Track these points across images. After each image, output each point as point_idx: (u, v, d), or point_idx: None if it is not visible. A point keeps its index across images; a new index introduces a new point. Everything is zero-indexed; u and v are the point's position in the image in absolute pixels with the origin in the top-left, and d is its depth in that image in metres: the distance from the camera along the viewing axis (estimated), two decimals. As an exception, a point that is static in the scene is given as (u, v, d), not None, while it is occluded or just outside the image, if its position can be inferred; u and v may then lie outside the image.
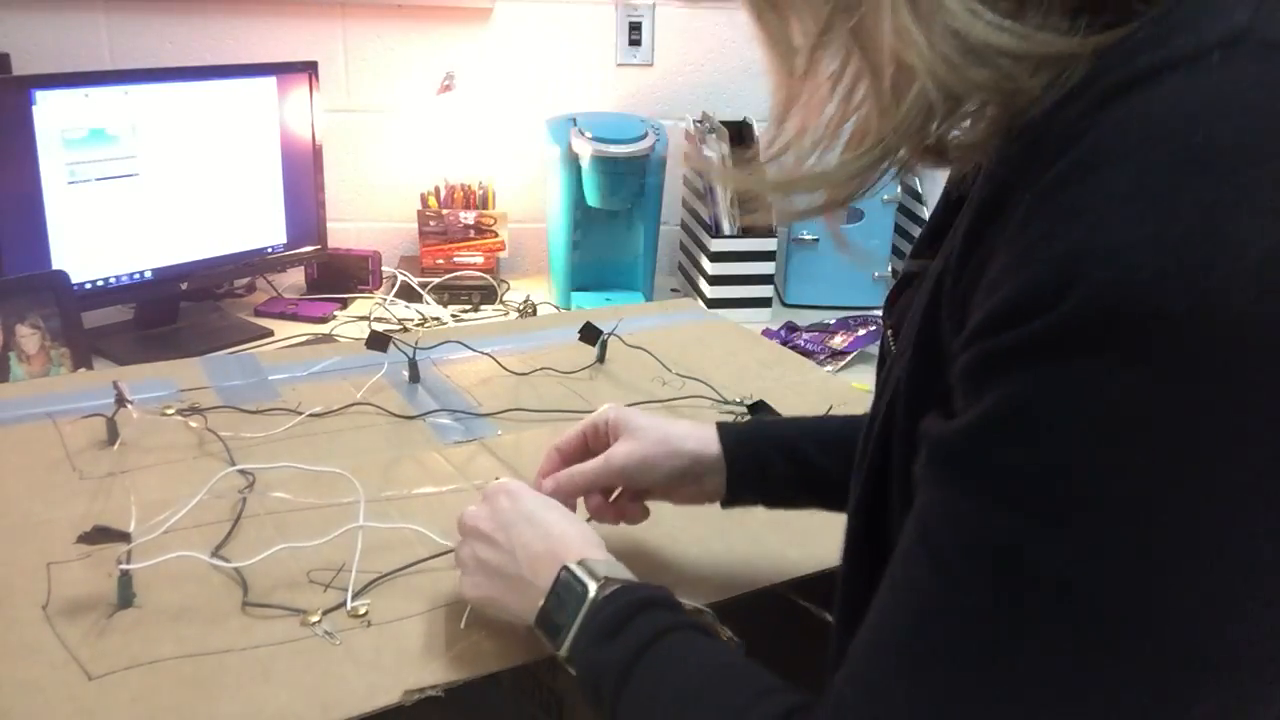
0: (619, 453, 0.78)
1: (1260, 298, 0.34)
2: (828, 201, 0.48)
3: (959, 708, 0.41)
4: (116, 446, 1.01)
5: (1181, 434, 0.36)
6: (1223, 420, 0.35)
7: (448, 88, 1.99)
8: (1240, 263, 0.34)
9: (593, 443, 0.82)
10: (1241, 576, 0.37)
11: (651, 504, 0.83)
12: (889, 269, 1.96)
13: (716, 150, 1.88)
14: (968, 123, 0.45)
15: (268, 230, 1.82)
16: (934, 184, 1.83)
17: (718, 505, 0.81)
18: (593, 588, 0.63)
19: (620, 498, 0.82)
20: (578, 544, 0.68)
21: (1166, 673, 0.38)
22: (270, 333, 1.75)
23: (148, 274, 1.67)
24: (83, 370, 1.47)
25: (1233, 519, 0.36)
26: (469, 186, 2.00)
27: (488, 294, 1.90)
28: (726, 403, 1.17)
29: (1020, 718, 0.40)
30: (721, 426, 0.81)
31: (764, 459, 0.80)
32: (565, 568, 0.65)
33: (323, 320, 1.81)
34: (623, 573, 0.66)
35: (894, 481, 0.52)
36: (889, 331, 0.62)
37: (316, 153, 1.85)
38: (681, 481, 0.80)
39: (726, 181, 0.54)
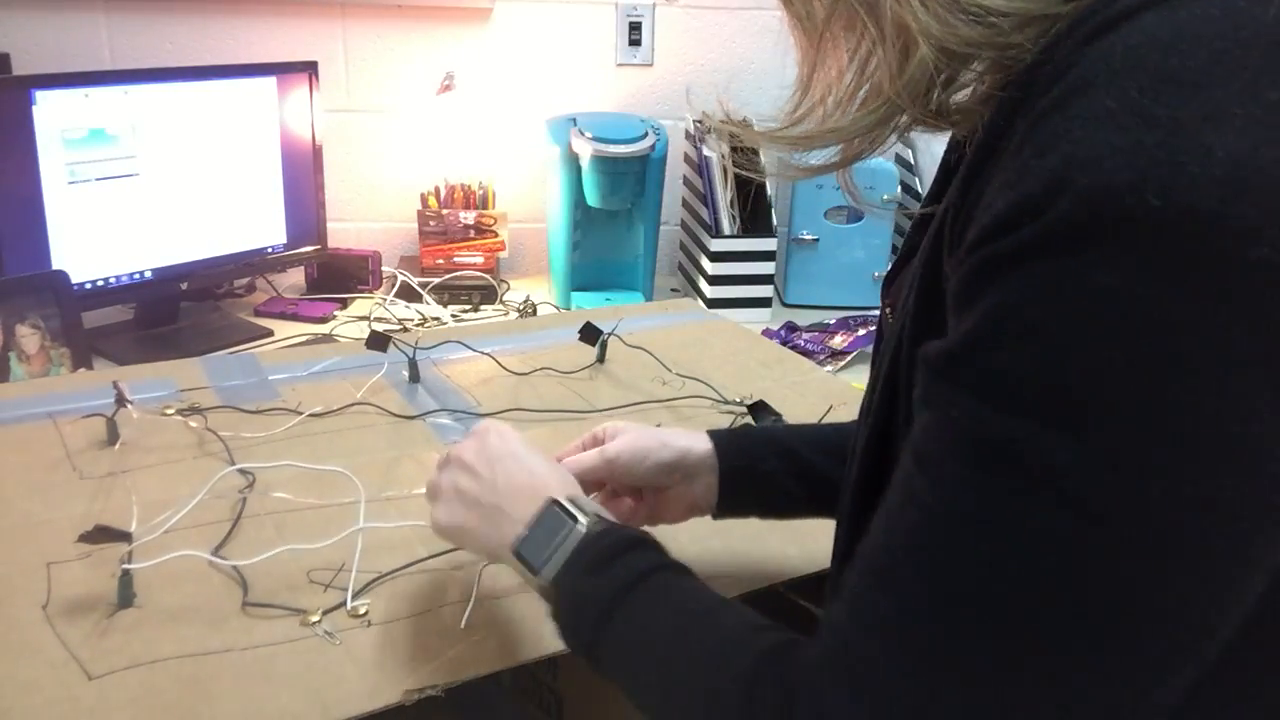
0: (613, 446, 0.80)
1: (1225, 199, 0.37)
2: (841, 158, 0.54)
3: (955, 611, 0.42)
4: (117, 446, 1.01)
5: (1159, 326, 0.38)
6: (1195, 312, 0.38)
7: (448, 88, 1.99)
8: (1208, 169, 0.37)
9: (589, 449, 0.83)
10: (1226, 459, 0.39)
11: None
12: (889, 269, 1.95)
13: (716, 150, 1.88)
14: (968, 90, 0.49)
15: (268, 230, 1.82)
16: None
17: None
18: (584, 521, 0.64)
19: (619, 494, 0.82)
20: (560, 484, 0.69)
21: (1164, 560, 0.40)
22: (270, 333, 1.75)
23: (148, 274, 1.67)
24: (83, 370, 1.47)
25: (1215, 408, 0.39)
26: (469, 186, 2.00)
27: (488, 294, 1.90)
28: (726, 403, 1.17)
29: (1017, 615, 0.41)
30: (711, 431, 0.82)
31: (754, 454, 0.80)
32: (554, 500, 0.66)
33: (323, 320, 1.81)
34: (607, 515, 0.67)
35: (897, 444, 0.53)
36: (887, 309, 0.63)
37: (316, 153, 1.85)
38: (671, 476, 0.80)
39: (752, 139, 0.56)
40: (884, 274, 0.71)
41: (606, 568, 0.61)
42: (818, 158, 0.55)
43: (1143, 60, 0.40)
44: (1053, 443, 0.40)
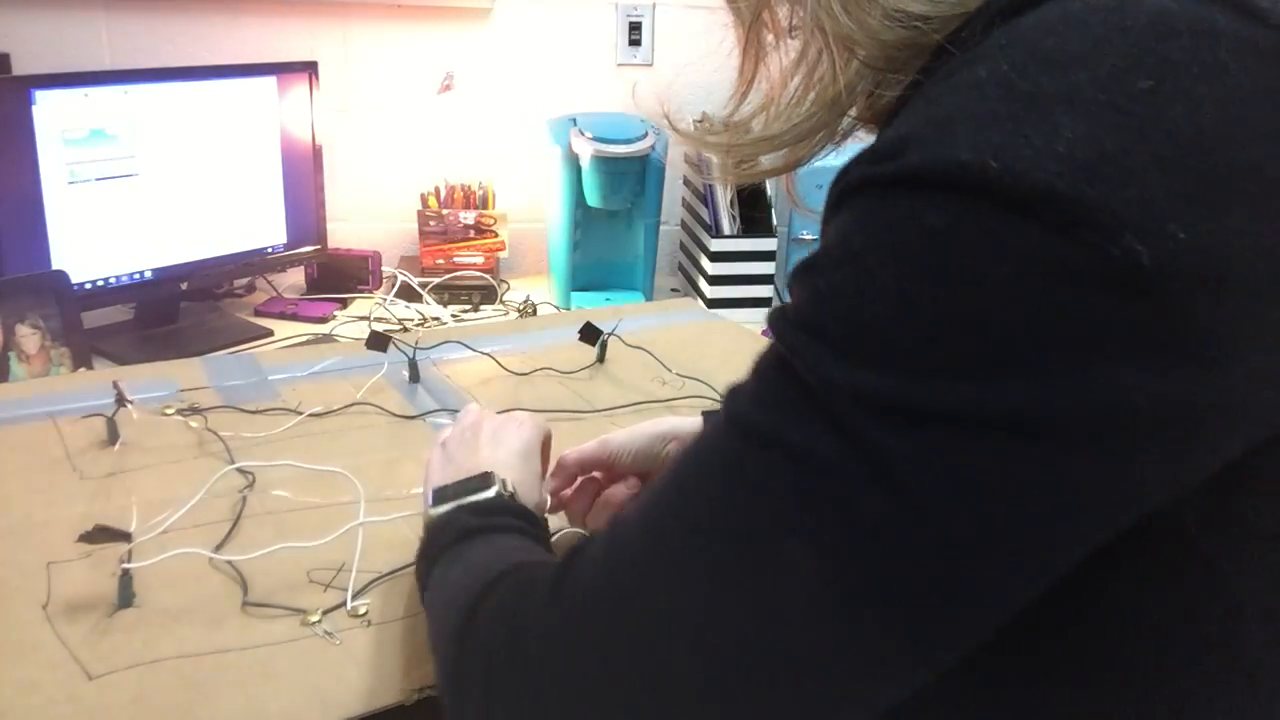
0: (611, 434, 0.83)
1: (1061, 177, 0.37)
2: (785, 163, 0.54)
3: (663, 550, 0.44)
4: (116, 446, 1.00)
5: (964, 280, 0.38)
6: (1000, 281, 0.37)
7: (448, 88, 1.99)
8: (1050, 145, 0.37)
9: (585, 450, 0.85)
10: (990, 428, 0.38)
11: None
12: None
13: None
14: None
15: (268, 230, 1.82)
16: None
17: None
18: (496, 489, 0.69)
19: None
20: (517, 476, 0.72)
21: (899, 515, 0.39)
22: (270, 333, 1.75)
23: (148, 274, 1.67)
24: (83, 370, 1.47)
25: (990, 374, 0.38)
26: (469, 186, 2.00)
27: (488, 294, 1.90)
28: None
29: (719, 549, 0.42)
30: (705, 411, 0.86)
31: None
32: (492, 474, 0.70)
33: (323, 320, 1.81)
34: (534, 514, 0.70)
35: None
36: None
37: (316, 153, 1.85)
38: (666, 443, 0.82)
39: (691, 143, 0.58)
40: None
41: (484, 515, 0.66)
42: (769, 160, 0.55)
43: (1024, 39, 0.40)
44: (829, 366, 0.40)
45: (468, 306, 1.88)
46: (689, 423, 0.83)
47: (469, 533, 0.65)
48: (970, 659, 0.41)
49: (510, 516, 0.67)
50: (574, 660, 0.46)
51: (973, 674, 0.43)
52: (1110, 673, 0.44)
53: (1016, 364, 0.37)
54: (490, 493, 0.69)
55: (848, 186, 0.42)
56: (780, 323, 0.43)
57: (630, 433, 0.82)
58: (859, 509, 0.39)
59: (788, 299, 0.45)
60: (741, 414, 0.44)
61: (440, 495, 0.70)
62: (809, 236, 1.95)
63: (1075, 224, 0.36)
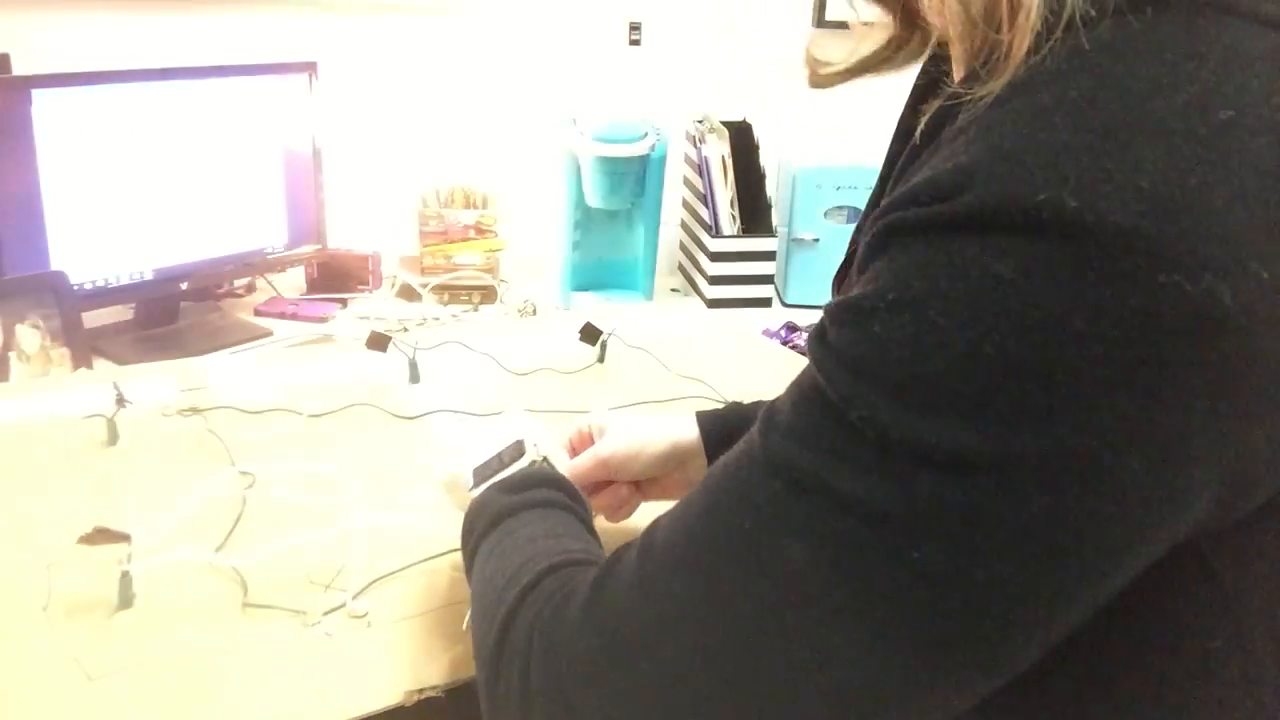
0: (605, 445, 0.81)
1: (1145, 215, 0.35)
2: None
3: (709, 581, 0.43)
4: (117, 447, 1.00)
5: (1041, 329, 0.36)
6: (1083, 325, 0.36)
7: (448, 88, 1.99)
8: (1133, 181, 0.35)
9: (579, 448, 0.84)
10: (1067, 475, 0.37)
11: (653, 506, 0.83)
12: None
13: (716, 150, 1.88)
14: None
15: (268, 230, 1.82)
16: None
17: None
18: (531, 457, 0.70)
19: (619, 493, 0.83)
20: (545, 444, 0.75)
21: (955, 562, 0.38)
22: (270, 333, 1.74)
23: (148, 274, 1.67)
24: (83, 370, 1.47)
25: (1072, 424, 0.36)
26: (469, 187, 2.00)
27: (488, 294, 1.90)
28: (726, 403, 1.17)
29: (781, 587, 0.41)
30: (699, 412, 0.84)
31: (737, 429, 0.81)
32: (522, 441, 0.72)
33: (323, 320, 1.81)
34: (568, 481, 0.70)
35: None
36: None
37: (316, 153, 1.85)
38: (665, 467, 0.81)
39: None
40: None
41: (516, 490, 0.66)
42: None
43: (1092, 65, 0.38)
44: (884, 414, 0.38)
45: (468, 306, 1.88)
46: (685, 432, 0.82)
47: (506, 512, 0.64)
48: None
49: (544, 489, 0.66)
50: (607, 685, 0.46)
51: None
52: (1120, 683, 0.44)
53: (1086, 411, 0.36)
54: (524, 461, 0.69)
55: (901, 226, 0.40)
56: (826, 363, 0.41)
57: (627, 452, 0.80)
58: (912, 556, 0.38)
59: (829, 325, 0.43)
60: (782, 453, 0.42)
61: (480, 474, 0.71)
62: (809, 236, 1.95)
63: (1156, 265, 0.35)
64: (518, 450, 0.70)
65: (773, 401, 0.44)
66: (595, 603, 0.48)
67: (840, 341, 0.41)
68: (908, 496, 0.38)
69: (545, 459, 0.70)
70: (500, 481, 0.68)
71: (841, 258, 0.59)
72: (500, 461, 0.70)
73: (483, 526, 0.64)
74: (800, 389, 0.43)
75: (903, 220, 0.40)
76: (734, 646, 0.42)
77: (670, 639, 0.44)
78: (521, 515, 0.64)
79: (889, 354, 0.39)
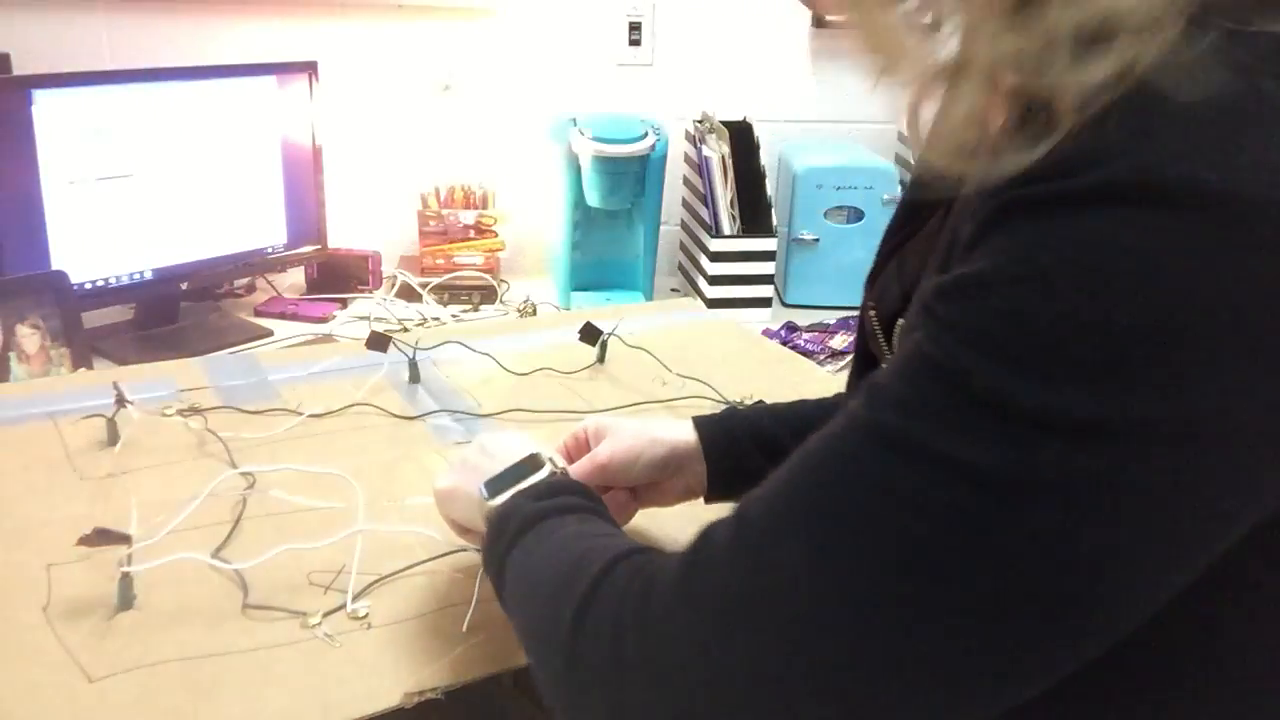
0: (603, 450, 0.80)
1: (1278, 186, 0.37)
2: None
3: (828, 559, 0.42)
4: (117, 447, 1.00)
5: (1175, 297, 0.37)
6: (1217, 294, 0.37)
7: (448, 88, 1.99)
8: (1266, 157, 0.37)
9: (575, 454, 0.84)
10: (1193, 440, 0.38)
11: (652, 510, 0.83)
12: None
13: (716, 150, 1.88)
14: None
15: (268, 230, 1.82)
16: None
17: (717, 507, 0.82)
18: (548, 468, 0.69)
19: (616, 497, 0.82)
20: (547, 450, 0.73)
21: (1080, 533, 0.39)
22: (270, 333, 1.74)
23: (148, 274, 1.67)
24: (83, 370, 1.47)
25: (1202, 391, 0.38)
26: (469, 186, 2.00)
27: (488, 294, 1.90)
28: (726, 403, 1.17)
29: (894, 567, 0.41)
30: (697, 417, 0.84)
31: (739, 454, 0.82)
32: (539, 454, 0.71)
33: (323, 320, 1.81)
34: (589, 488, 0.70)
35: None
36: (870, 310, 0.63)
37: (316, 153, 1.85)
38: (664, 471, 0.81)
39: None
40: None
41: (544, 497, 0.66)
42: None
43: (1216, 52, 0.39)
44: (1009, 384, 0.39)
45: (468, 306, 1.88)
46: (683, 437, 0.81)
47: (538, 516, 0.64)
48: None
49: (571, 496, 0.66)
50: (710, 658, 0.45)
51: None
52: (1162, 677, 0.46)
53: (1215, 378, 0.37)
54: (544, 473, 0.69)
55: (1023, 202, 0.40)
56: (943, 337, 0.41)
57: (625, 457, 0.80)
58: (1033, 522, 0.39)
59: (917, 311, 0.43)
60: (894, 425, 0.42)
61: (495, 486, 0.69)
62: (809, 236, 1.95)
63: None
64: (535, 463, 0.70)
65: (873, 378, 0.45)
66: (690, 580, 0.48)
67: (955, 315, 0.41)
68: (1033, 463, 0.39)
69: (564, 470, 0.71)
70: (525, 489, 0.68)
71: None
72: (518, 473, 0.70)
73: (514, 529, 0.64)
74: (907, 362, 0.43)
75: (1024, 196, 0.40)
76: (848, 615, 0.42)
77: (782, 609, 0.43)
78: (561, 518, 0.64)
79: (1013, 325, 0.39)
